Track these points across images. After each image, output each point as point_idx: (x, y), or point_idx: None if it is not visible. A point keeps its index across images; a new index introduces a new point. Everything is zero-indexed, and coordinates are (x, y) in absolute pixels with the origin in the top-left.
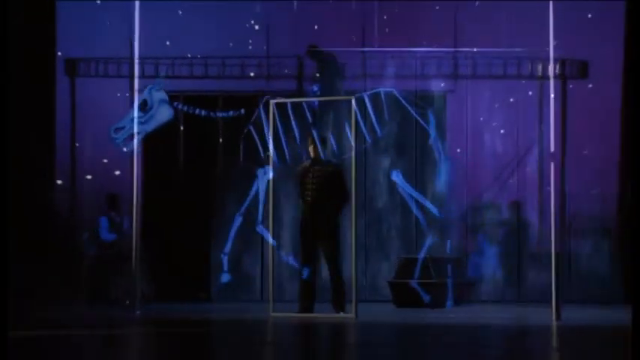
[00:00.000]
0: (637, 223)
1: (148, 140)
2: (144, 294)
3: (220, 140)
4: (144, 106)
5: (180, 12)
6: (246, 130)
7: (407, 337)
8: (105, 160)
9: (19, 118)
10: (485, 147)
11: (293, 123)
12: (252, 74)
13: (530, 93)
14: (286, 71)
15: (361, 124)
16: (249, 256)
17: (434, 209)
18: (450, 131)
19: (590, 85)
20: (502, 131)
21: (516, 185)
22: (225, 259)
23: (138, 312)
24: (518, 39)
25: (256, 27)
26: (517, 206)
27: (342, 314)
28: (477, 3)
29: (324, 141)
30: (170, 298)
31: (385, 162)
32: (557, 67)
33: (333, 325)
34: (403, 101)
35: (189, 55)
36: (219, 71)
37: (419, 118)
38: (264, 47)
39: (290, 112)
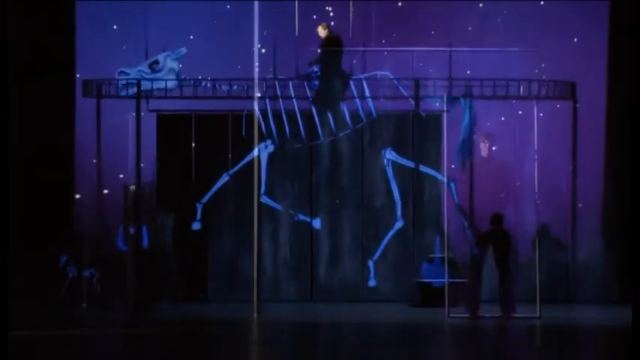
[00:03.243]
0: (637, 224)
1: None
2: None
3: (230, 156)
4: (154, 65)
5: (192, 37)
6: (248, 108)
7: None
8: (121, 176)
9: (41, 137)
10: (479, 162)
11: (294, 101)
12: (258, 95)
13: (520, 112)
14: (291, 92)
15: (358, 105)
16: (246, 256)
17: (437, 174)
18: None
19: (578, 105)
20: (494, 148)
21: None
22: (199, 208)
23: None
24: (509, 61)
25: (263, 50)
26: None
27: (516, 315)
28: (470, 28)
29: (491, 140)
30: (169, 300)
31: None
32: (546, 88)
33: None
34: (397, 84)
35: (199, 77)
36: (227, 92)
37: (412, 100)
38: (270, 69)
39: (291, 90)
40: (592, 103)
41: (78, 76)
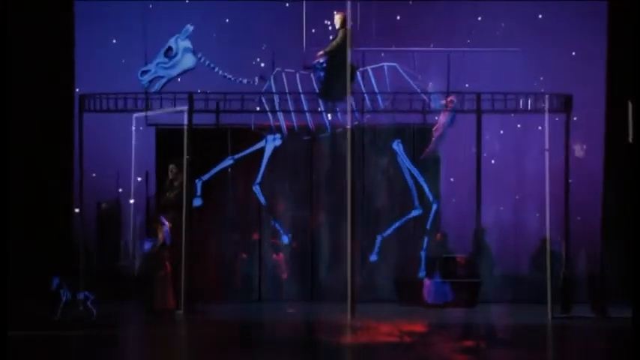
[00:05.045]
0: (637, 226)
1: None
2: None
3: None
4: (169, 53)
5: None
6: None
7: None
8: (120, 190)
9: (40, 153)
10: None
11: (301, 94)
12: (257, 108)
13: (518, 126)
14: (291, 106)
15: (365, 96)
16: (248, 256)
17: (429, 193)
18: (444, 161)
19: (575, 118)
20: (492, 162)
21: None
22: (199, 185)
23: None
24: (507, 76)
25: (262, 64)
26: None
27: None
28: (468, 41)
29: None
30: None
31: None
32: (544, 101)
33: None
34: (405, 75)
35: (199, 91)
36: (233, 106)
37: (419, 91)
38: (270, 83)
39: (298, 83)
40: (591, 114)
41: (77, 90)
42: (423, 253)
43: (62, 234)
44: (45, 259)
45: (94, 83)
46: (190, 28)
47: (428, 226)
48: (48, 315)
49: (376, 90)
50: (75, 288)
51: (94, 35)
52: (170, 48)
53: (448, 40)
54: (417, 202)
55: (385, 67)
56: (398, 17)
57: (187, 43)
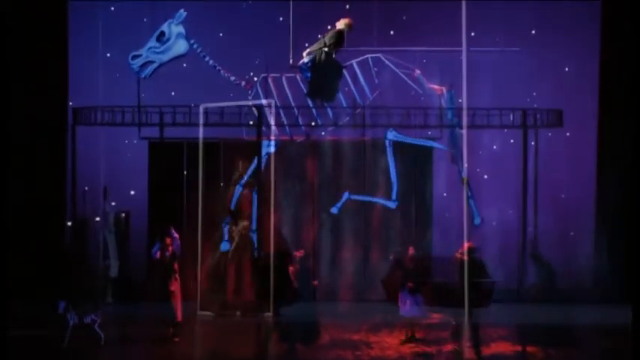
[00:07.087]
0: (637, 225)
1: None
2: None
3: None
4: (161, 37)
5: (185, 65)
6: (247, 108)
7: None
8: (113, 203)
9: (34, 165)
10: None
11: (290, 97)
12: (250, 122)
13: (512, 141)
14: (282, 119)
15: (353, 90)
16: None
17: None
18: (436, 176)
19: (568, 134)
20: (485, 177)
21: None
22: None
23: None
24: (498, 91)
25: (255, 78)
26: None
27: None
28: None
29: None
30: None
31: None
32: (535, 116)
33: None
34: (390, 64)
35: (192, 105)
36: (220, 119)
37: (407, 79)
38: (256, 88)
39: (286, 86)
40: (580, 130)
41: (71, 104)
42: (472, 201)
43: (56, 243)
44: (40, 264)
45: (87, 96)
46: (184, 13)
47: (464, 174)
48: (56, 340)
49: (362, 82)
50: (82, 311)
51: (88, 49)
52: (162, 33)
53: (444, 57)
54: (394, 196)
55: (369, 59)
56: (391, 32)
57: (180, 29)
